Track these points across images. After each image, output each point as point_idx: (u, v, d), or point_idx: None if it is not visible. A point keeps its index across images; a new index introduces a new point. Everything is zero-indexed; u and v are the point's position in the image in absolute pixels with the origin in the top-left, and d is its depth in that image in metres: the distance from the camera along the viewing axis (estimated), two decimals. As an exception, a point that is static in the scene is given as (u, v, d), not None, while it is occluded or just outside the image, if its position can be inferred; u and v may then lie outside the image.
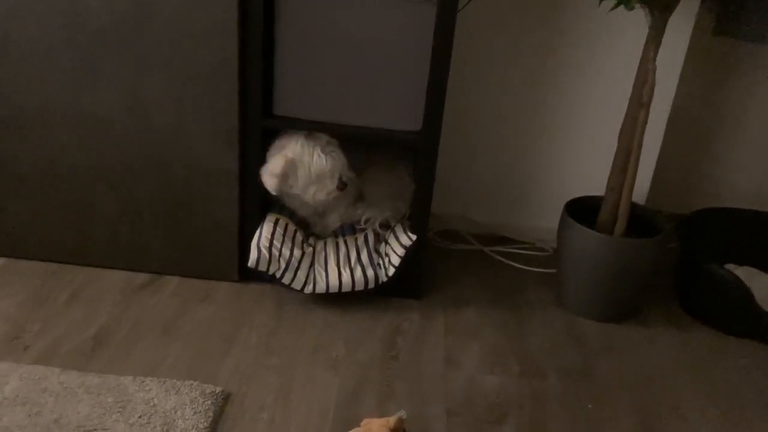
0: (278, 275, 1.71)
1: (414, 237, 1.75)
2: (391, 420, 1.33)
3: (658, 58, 1.62)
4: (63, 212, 1.78)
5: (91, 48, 1.61)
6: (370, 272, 1.74)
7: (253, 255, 1.69)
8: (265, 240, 1.71)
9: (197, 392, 1.41)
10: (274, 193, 1.72)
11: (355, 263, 1.75)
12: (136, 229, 1.80)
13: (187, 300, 1.75)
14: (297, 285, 1.72)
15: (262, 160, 1.73)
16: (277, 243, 1.72)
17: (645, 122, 1.66)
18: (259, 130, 1.69)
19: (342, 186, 1.75)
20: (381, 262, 1.77)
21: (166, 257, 1.82)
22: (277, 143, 1.73)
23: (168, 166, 1.72)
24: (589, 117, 2.04)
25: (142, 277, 1.82)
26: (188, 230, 1.79)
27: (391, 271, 1.74)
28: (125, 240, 1.81)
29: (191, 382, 1.45)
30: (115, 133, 1.70)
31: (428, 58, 1.60)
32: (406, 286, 1.81)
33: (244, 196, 1.75)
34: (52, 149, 1.72)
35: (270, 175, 1.69)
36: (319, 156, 1.69)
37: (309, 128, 1.72)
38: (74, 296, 1.72)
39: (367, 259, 1.77)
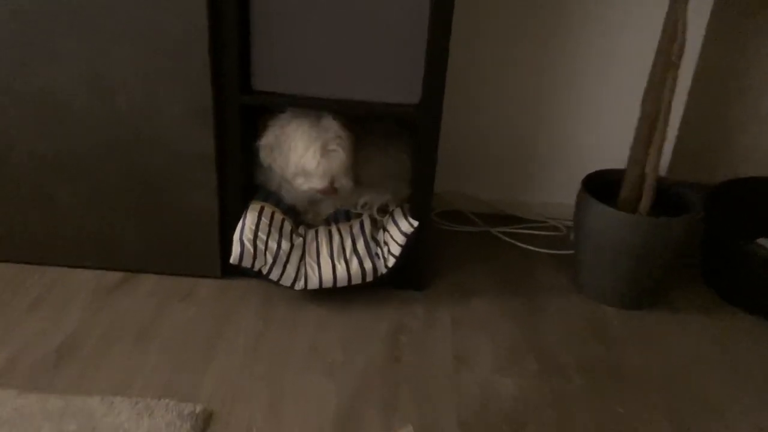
0: (265, 271, 1.53)
1: (416, 223, 1.56)
2: (397, 439, 1.16)
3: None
4: (21, 207, 1.59)
5: (44, 19, 1.41)
6: (367, 264, 1.55)
7: (235, 250, 1.51)
8: (248, 232, 1.53)
9: (174, 414, 1.24)
10: (265, 165, 1.60)
11: (350, 254, 1.57)
12: (106, 223, 1.61)
13: (164, 301, 1.57)
14: (286, 281, 1.54)
15: (242, 142, 1.53)
16: (262, 235, 1.53)
17: (674, 85, 1.47)
18: (236, 107, 1.49)
19: (331, 191, 1.58)
20: (379, 251, 1.59)
21: (141, 253, 1.64)
22: (283, 117, 1.57)
23: (137, 151, 1.53)
24: (609, 81, 1.85)
25: (114, 276, 1.64)
26: (163, 222, 1.61)
27: (391, 261, 1.56)
28: (94, 235, 1.62)
29: (167, 401, 1.27)
30: (75, 116, 1.50)
31: (426, 21, 1.40)
32: (407, 276, 1.63)
33: (223, 183, 1.57)
34: (5, 136, 1.52)
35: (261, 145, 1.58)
36: (314, 154, 1.52)
37: (292, 104, 1.53)
38: (37, 302, 1.53)
39: (364, 249, 1.58)
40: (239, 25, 1.42)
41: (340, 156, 1.54)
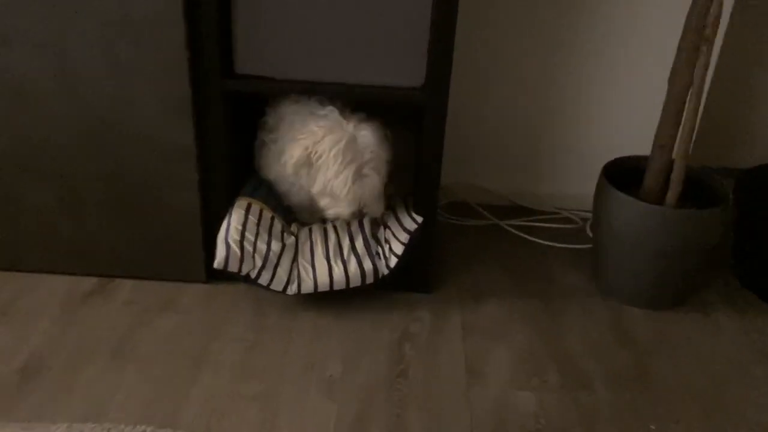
0: (253, 275, 1.37)
1: (420, 219, 1.41)
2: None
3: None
4: (-16, 209, 1.44)
5: (-3, -1, 1.25)
6: (367, 264, 1.40)
7: (220, 252, 1.35)
8: (234, 232, 1.37)
9: (152, 443, 1.09)
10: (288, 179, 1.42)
11: (348, 254, 1.42)
12: (78, 224, 1.46)
13: (143, 310, 1.42)
14: (278, 285, 1.39)
15: (228, 133, 1.38)
16: (249, 235, 1.38)
17: (707, 62, 1.31)
18: (218, 94, 1.33)
19: (359, 216, 1.41)
20: (380, 250, 1.44)
21: (117, 257, 1.49)
22: (315, 131, 1.34)
23: (108, 145, 1.37)
24: (628, 61, 1.69)
25: (88, 283, 1.48)
26: (141, 223, 1.45)
27: (393, 261, 1.41)
28: (65, 238, 1.47)
29: (144, 427, 1.12)
30: (39, 108, 1.35)
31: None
32: (412, 277, 1.48)
33: (206, 178, 1.41)
34: (-40, 130, 1.36)
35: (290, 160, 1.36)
36: (345, 179, 1.33)
37: (281, 89, 1.37)
38: (2, 313, 1.38)
39: (363, 247, 1.43)
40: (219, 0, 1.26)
41: (373, 182, 1.36)
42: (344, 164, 1.32)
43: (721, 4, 1.27)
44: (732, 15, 1.64)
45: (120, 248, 1.48)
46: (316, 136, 1.33)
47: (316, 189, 1.36)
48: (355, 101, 1.41)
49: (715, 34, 1.29)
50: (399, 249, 1.41)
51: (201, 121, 1.35)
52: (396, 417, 1.20)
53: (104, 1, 1.24)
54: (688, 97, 1.37)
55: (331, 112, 1.36)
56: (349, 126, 1.34)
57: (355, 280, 1.41)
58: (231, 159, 1.42)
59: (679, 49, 1.37)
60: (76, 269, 1.50)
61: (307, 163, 1.34)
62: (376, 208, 1.40)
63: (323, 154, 1.32)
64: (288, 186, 1.46)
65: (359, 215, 1.39)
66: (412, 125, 1.53)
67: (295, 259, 1.43)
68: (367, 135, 1.34)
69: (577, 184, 1.80)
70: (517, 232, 1.77)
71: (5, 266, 1.49)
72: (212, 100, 1.34)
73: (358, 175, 1.33)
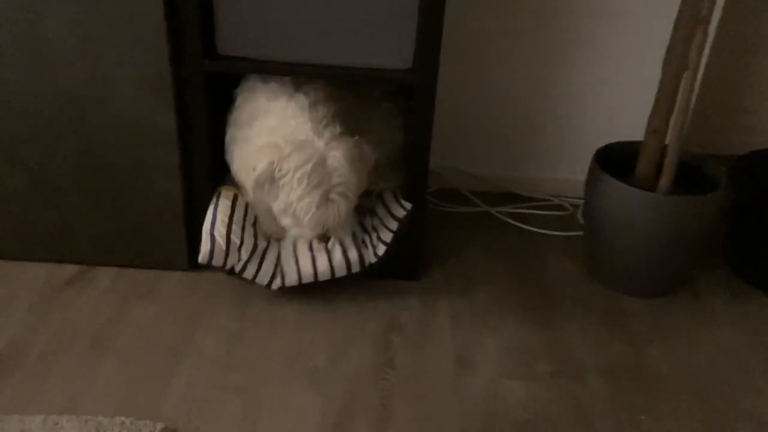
0: (238, 269, 1.33)
1: (409, 206, 1.38)
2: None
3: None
4: (-44, 194, 1.39)
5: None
6: (352, 254, 1.37)
7: (205, 246, 1.31)
8: (221, 225, 1.33)
9: (130, 435, 1.06)
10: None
11: (332, 243, 1.38)
12: (56, 211, 1.41)
13: (124, 298, 1.38)
14: (262, 279, 1.35)
15: (210, 115, 1.33)
16: (237, 228, 1.34)
17: (704, 43, 1.28)
18: (199, 75, 1.29)
19: (324, 240, 1.32)
20: (367, 239, 1.40)
21: (96, 244, 1.45)
22: (283, 147, 1.23)
23: (86, 128, 1.33)
24: (621, 43, 1.66)
25: (67, 271, 1.44)
26: (121, 208, 1.41)
27: (381, 249, 1.38)
28: (43, 224, 1.43)
29: (122, 419, 1.09)
30: (10, 88, 1.30)
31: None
32: (400, 265, 1.45)
33: (187, 162, 1.37)
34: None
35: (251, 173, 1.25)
36: (309, 204, 1.22)
37: (266, 70, 1.32)
38: (-23, 302, 1.34)
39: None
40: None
41: (339, 207, 1.25)
42: (309, 188, 1.22)
43: (718, -16, 1.23)
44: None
45: (99, 235, 1.44)
46: (283, 152, 1.22)
47: (277, 207, 1.26)
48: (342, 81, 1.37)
49: (711, 14, 1.26)
50: (387, 237, 1.38)
51: (182, 102, 1.31)
52: (382, 408, 1.17)
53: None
54: (683, 80, 1.34)
55: (304, 124, 1.26)
56: (320, 143, 1.23)
57: (341, 270, 1.37)
58: (213, 142, 1.38)
59: (675, 30, 1.33)
60: (55, 256, 1.46)
61: (270, 178, 1.23)
62: (342, 232, 1.33)
63: (288, 173, 1.21)
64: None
65: (324, 238, 1.31)
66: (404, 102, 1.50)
67: (279, 253, 1.39)
68: (337, 156, 1.23)
69: (568, 170, 1.77)
70: (507, 219, 1.74)
71: (-18, 253, 1.45)
72: (193, 81, 1.29)
73: (324, 200, 1.23)
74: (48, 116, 1.32)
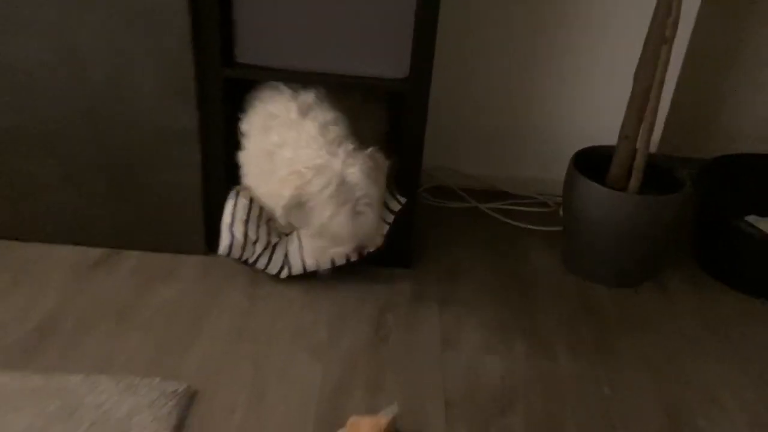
0: (251, 260, 1.50)
1: (403, 200, 1.53)
2: (382, 421, 1.15)
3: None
4: (-3, 182, 1.56)
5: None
6: (353, 244, 1.52)
7: (224, 241, 1.47)
8: (240, 224, 1.48)
9: (157, 392, 1.22)
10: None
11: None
12: (85, 199, 1.57)
13: (148, 279, 1.54)
14: (272, 270, 1.52)
15: (226, 116, 1.49)
16: (252, 226, 1.49)
17: (667, 61, 1.44)
18: (219, 81, 1.45)
19: (361, 252, 1.46)
20: (366, 229, 1.56)
21: (122, 229, 1.60)
22: (304, 172, 1.35)
23: (114, 126, 1.49)
24: (603, 56, 1.82)
25: (96, 253, 1.60)
26: (145, 198, 1.57)
27: (378, 239, 1.53)
28: (73, 211, 1.58)
29: (151, 379, 1.25)
30: (47, 90, 1.46)
31: (415, -8, 1.36)
32: (395, 254, 1.60)
33: (206, 158, 1.53)
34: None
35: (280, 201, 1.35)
36: (343, 220, 1.35)
37: (276, 77, 1.48)
38: (16, 279, 1.50)
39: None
40: (221, -8, 1.37)
41: (368, 218, 1.37)
42: (337, 206, 1.33)
43: (679, 9, 1.39)
44: (698, 17, 1.76)
45: (125, 222, 1.59)
46: (305, 178, 1.34)
47: (312, 231, 1.39)
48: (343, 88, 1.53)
49: (674, 35, 1.41)
50: (384, 229, 1.53)
51: (203, 105, 1.46)
52: (376, 377, 1.33)
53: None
54: (651, 93, 1.49)
55: (319, 149, 1.37)
56: (337, 163, 1.35)
57: (340, 260, 1.53)
58: (230, 141, 1.54)
59: (644, 49, 1.49)
60: (85, 241, 1.61)
61: (297, 204, 1.35)
62: (378, 241, 1.47)
63: (314, 196, 1.33)
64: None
65: (361, 249, 1.44)
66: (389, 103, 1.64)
67: (286, 248, 1.55)
68: (355, 172, 1.35)
69: (552, 170, 1.92)
70: (495, 215, 1.90)
71: (18, 237, 1.61)
72: (213, 86, 1.45)
73: (353, 213, 1.35)
74: (84, 117, 1.47)
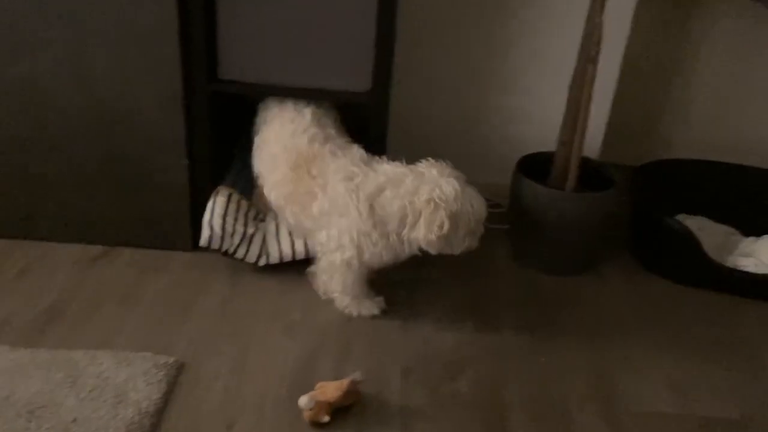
0: (231, 251, 1.69)
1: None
2: (345, 382, 1.34)
3: (609, 10, 1.61)
4: (7, 186, 1.74)
5: (28, 12, 1.56)
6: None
7: (204, 234, 1.67)
8: (218, 218, 1.67)
9: (150, 363, 1.41)
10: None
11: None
12: (87, 201, 1.76)
13: (142, 270, 1.73)
14: (251, 258, 1.71)
15: (211, 126, 1.69)
16: (230, 220, 1.69)
17: (593, 78, 1.66)
18: (205, 94, 1.65)
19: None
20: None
21: (120, 228, 1.79)
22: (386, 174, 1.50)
23: (115, 134, 1.68)
24: (543, 72, 2.03)
25: (95, 250, 1.79)
26: (140, 200, 1.76)
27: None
28: (76, 212, 1.77)
29: (145, 353, 1.44)
30: (57, 102, 1.65)
31: (375, 13, 1.56)
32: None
33: (193, 162, 1.72)
34: (-9, 120, 1.67)
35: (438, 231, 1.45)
36: (478, 197, 1.50)
37: (255, 92, 1.69)
38: (25, 271, 1.69)
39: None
40: (206, 18, 1.58)
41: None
42: (465, 191, 1.49)
43: (601, 31, 1.61)
44: (635, 31, 1.97)
45: (121, 221, 1.78)
46: (407, 187, 1.47)
47: (457, 239, 1.49)
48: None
49: (597, 56, 1.63)
50: None
51: (190, 115, 1.66)
52: (344, 350, 1.52)
53: (115, 19, 1.55)
54: (582, 105, 1.71)
55: (390, 171, 1.51)
56: (433, 172, 1.50)
57: (314, 252, 1.72)
58: (215, 147, 1.73)
59: (575, 67, 1.71)
60: (85, 239, 1.79)
61: (453, 222, 1.45)
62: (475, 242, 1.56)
63: (450, 200, 1.45)
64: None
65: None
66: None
67: (264, 238, 1.74)
68: (451, 182, 1.48)
69: (504, 175, 2.12)
70: (455, 216, 2.09)
71: (26, 236, 1.79)
72: (200, 99, 1.65)
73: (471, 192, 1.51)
74: (86, 125, 1.67)
